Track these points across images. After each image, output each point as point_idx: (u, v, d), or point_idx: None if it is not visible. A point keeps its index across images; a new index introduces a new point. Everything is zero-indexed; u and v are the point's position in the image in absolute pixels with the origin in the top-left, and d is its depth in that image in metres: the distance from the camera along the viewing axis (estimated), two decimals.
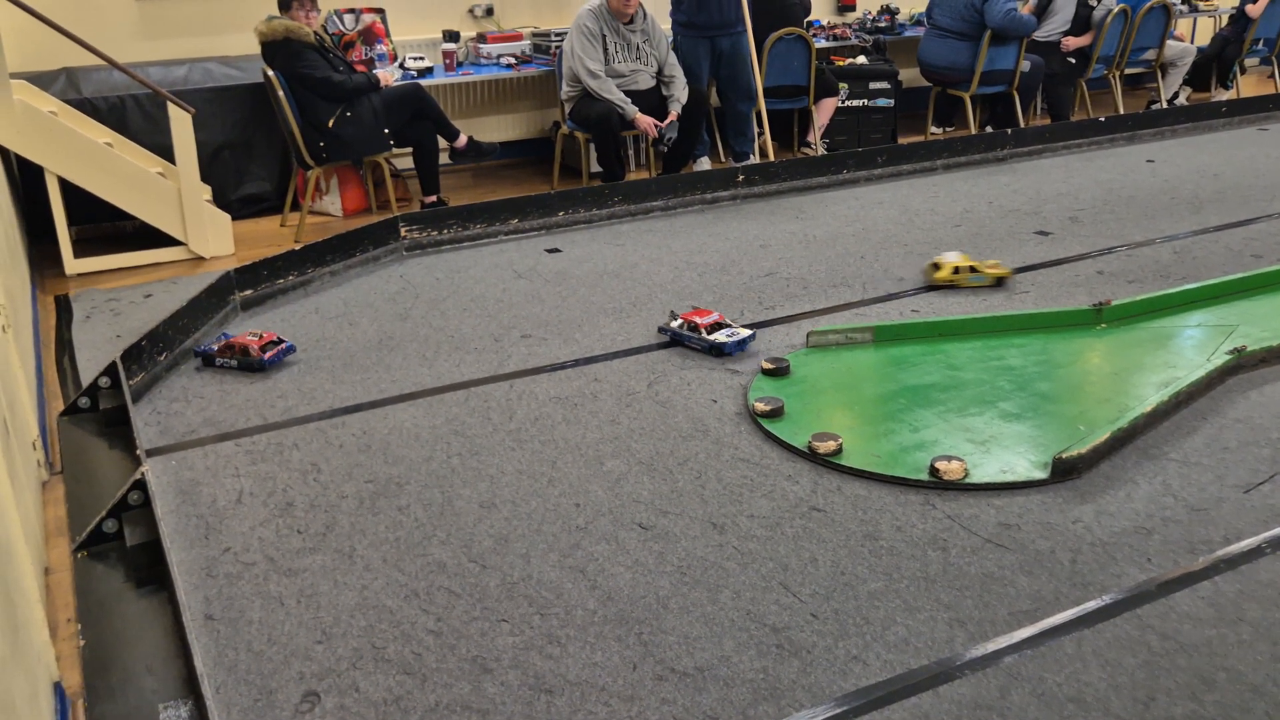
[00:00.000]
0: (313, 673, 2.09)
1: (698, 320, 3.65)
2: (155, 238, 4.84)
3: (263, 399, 3.35)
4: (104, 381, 3.25)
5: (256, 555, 2.49)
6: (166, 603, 2.28)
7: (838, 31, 7.47)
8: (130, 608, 2.32)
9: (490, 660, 2.11)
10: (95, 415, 3.22)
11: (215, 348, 3.61)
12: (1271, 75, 9.00)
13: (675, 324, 3.70)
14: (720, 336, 3.57)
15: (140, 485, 2.51)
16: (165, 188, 4.75)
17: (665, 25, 6.23)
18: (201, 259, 4.86)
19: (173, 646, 2.16)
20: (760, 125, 6.32)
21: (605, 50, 5.74)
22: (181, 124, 4.65)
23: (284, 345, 3.64)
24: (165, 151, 4.88)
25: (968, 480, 2.69)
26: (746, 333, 3.61)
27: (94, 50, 4.58)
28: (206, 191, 5.08)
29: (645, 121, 5.77)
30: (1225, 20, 8.93)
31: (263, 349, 3.57)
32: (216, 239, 4.90)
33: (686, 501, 2.66)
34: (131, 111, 5.18)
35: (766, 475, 2.77)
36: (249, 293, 4.15)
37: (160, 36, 5.83)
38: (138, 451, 2.77)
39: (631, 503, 2.66)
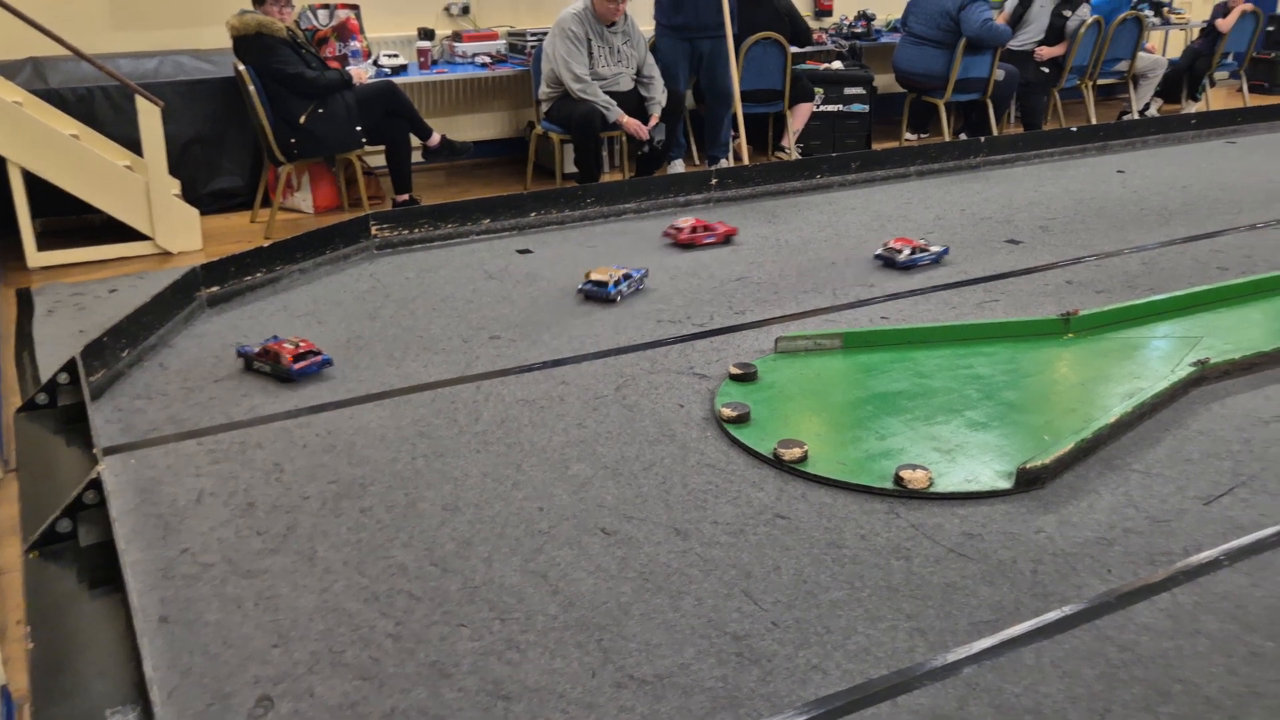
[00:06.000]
0: (268, 676, 2.06)
1: (908, 245, 4.50)
2: (122, 232, 4.79)
3: (228, 397, 3.31)
4: (63, 378, 3.21)
5: (215, 556, 2.46)
6: (120, 605, 2.25)
7: (814, 36, 7.48)
8: (83, 609, 2.28)
9: (449, 665, 2.09)
10: (54, 412, 3.17)
11: (255, 350, 3.48)
12: (1240, 89, 9.11)
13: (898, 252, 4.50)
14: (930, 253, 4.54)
15: (96, 484, 2.48)
16: (132, 181, 4.69)
17: (645, 26, 6.22)
18: (169, 254, 4.81)
19: (126, 650, 2.12)
20: (735, 129, 6.32)
21: (590, 54, 5.73)
22: (150, 117, 4.60)
23: (320, 358, 3.46)
24: (134, 144, 4.83)
25: (932, 489, 2.70)
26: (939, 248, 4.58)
27: (60, 41, 4.52)
28: (176, 186, 5.03)
29: (634, 124, 5.76)
30: (1196, 33, 9.04)
31: (295, 359, 3.40)
32: (184, 234, 4.85)
33: (651, 507, 2.65)
34: (100, 103, 5.12)
35: (732, 481, 2.77)
36: (216, 289, 4.11)
37: (131, 28, 5.77)
38: (94, 450, 2.73)
39: (595, 507, 2.65)
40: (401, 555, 2.47)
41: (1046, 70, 7.61)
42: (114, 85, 4.99)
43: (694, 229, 4.83)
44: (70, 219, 5.09)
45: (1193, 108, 8.67)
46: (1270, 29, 9.60)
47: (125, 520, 2.58)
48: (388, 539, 2.53)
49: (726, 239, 4.87)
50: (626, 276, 4.20)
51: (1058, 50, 7.58)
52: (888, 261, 4.52)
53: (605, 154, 6.45)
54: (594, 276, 4.19)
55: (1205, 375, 3.31)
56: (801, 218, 5.32)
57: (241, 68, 5.05)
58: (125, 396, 3.32)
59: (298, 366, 3.41)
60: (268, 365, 3.44)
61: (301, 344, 3.48)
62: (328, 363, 3.50)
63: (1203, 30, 8.83)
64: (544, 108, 5.95)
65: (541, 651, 2.13)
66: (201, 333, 3.85)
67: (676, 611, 2.25)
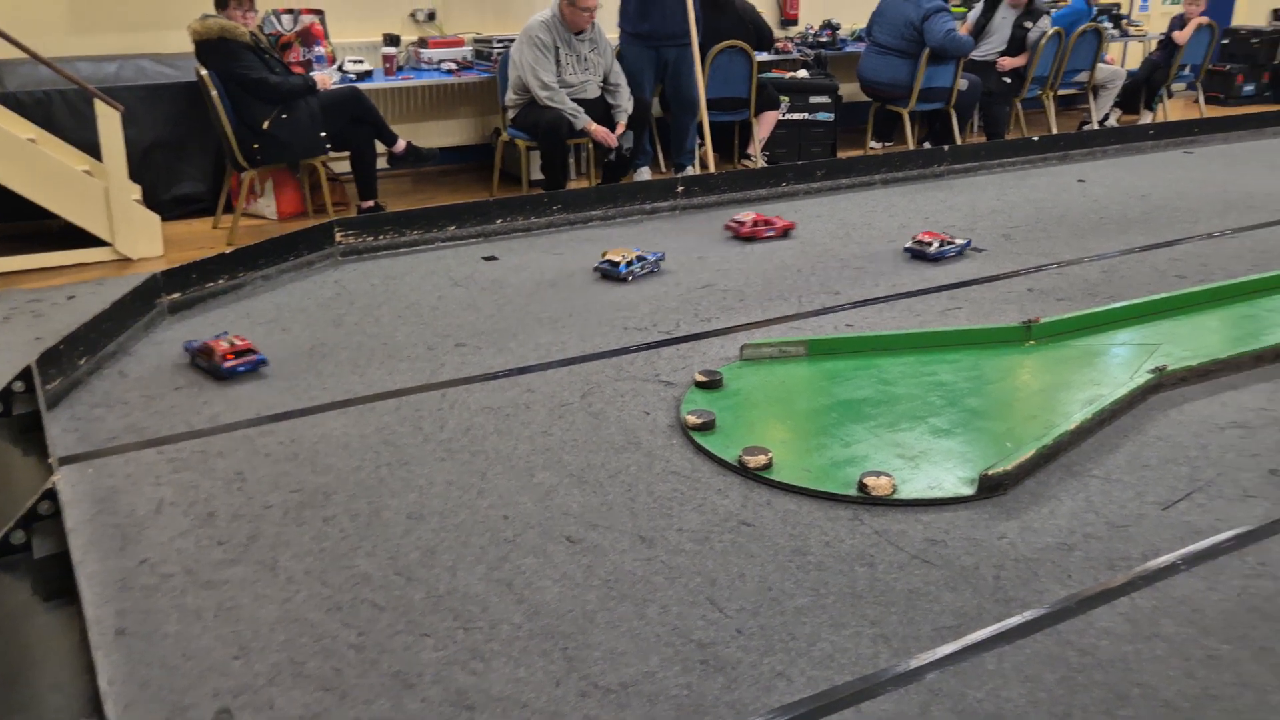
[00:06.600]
0: (228, 689, 2.04)
1: (936, 238, 4.70)
2: (81, 237, 4.72)
3: (188, 405, 3.27)
4: (18, 386, 3.15)
5: (174, 567, 2.43)
6: (75, 617, 2.21)
7: (780, 45, 7.54)
8: (37, 622, 2.24)
9: (412, 675, 2.08)
10: (8, 421, 3.11)
11: (198, 345, 3.51)
12: (1197, 100, 9.27)
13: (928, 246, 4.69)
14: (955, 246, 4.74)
15: (51, 494, 2.44)
16: (92, 186, 4.63)
17: (610, 34, 6.23)
18: (129, 260, 4.75)
19: (82, 663, 2.09)
20: (701, 137, 6.35)
21: (557, 62, 5.74)
22: (109, 121, 4.54)
23: (254, 357, 3.47)
24: (94, 149, 4.76)
25: (896, 496, 2.71)
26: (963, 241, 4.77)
27: (17, 44, 4.46)
28: (136, 191, 4.97)
29: (602, 132, 5.77)
30: (1154, 45, 9.18)
31: (227, 357, 3.41)
32: (145, 240, 4.79)
33: (616, 515, 2.65)
34: (58, 107, 5.06)
35: (697, 489, 2.77)
36: (177, 296, 4.06)
37: (90, 31, 5.70)
38: (50, 459, 2.68)
39: (561, 515, 2.64)
40: (365, 565, 2.45)
41: (1008, 80, 7.70)
42: (73, 89, 4.92)
43: (755, 223, 5.02)
44: (27, 224, 5.01)
45: (1149, 117, 8.81)
46: (1225, 42, 9.78)
47: (82, 531, 2.54)
48: (351, 548, 2.51)
49: (785, 233, 5.04)
50: (641, 258, 4.44)
51: (1019, 61, 7.68)
52: (917, 254, 4.73)
53: (572, 161, 6.45)
54: (609, 256, 4.44)
55: (1163, 382, 3.36)
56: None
57: (204, 72, 5.00)
58: (83, 405, 3.27)
59: (227, 365, 3.42)
60: (205, 361, 3.47)
61: (239, 342, 3.49)
62: (262, 363, 3.51)
63: (1160, 43, 8.98)
64: (510, 114, 5.94)
65: (506, 661, 2.12)
66: (162, 340, 3.80)
67: (641, 619, 2.24)
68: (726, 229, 5.12)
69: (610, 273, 4.42)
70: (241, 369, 3.45)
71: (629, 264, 4.40)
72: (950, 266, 4.66)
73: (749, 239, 5.01)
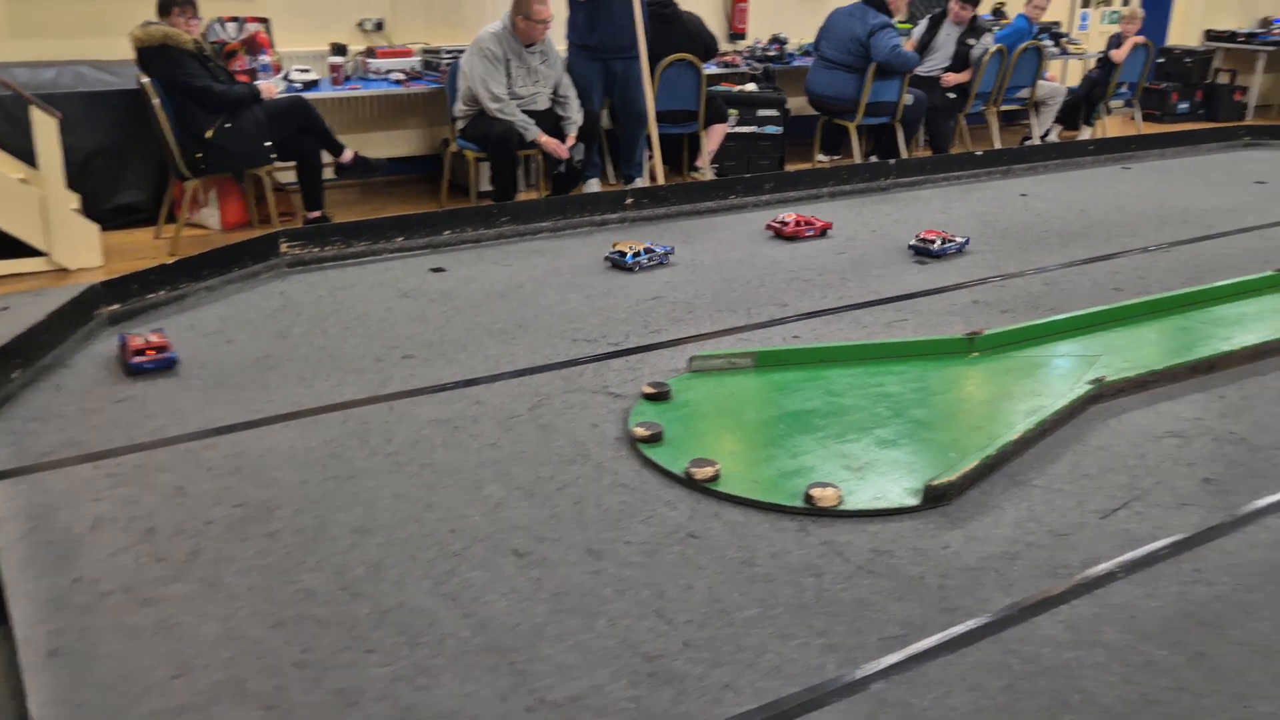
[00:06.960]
0: (167, 709, 1.99)
1: (939, 236, 4.96)
2: (16, 247, 4.62)
3: (129, 418, 3.20)
4: None
5: (112, 585, 2.37)
6: (6, 638, 2.15)
7: (728, 59, 7.60)
8: None
9: (357, 692, 2.05)
10: None
11: (125, 339, 3.49)
12: (1134, 117, 9.50)
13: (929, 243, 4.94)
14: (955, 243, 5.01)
15: None
16: (27, 194, 4.53)
17: (559, 46, 6.24)
18: (67, 270, 4.65)
19: (9, 686, 2.03)
20: (650, 149, 6.37)
21: (507, 74, 5.74)
22: (45, 128, 4.45)
23: (163, 355, 3.46)
24: (30, 157, 4.66)
25: (842, 507, 2.73)
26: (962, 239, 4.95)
27: None
28: (75, 200, 4.88)
29: (553, 144, 5.77)
30: (1093, 64, 9.41)
31: (147, 352, 3.42)
32: (84, 250, 4.70)
33: (565, 527, 2.64)
34: None
35: (646, 501, 2.77)
36: (117, 307, 3.98)
37: (28, 36, 5.58)
38: None
39: (509, 528, 2.63)
40: (309, 580, 2.41)
41: (953, 96, 7.84)
42: (8, 95, 4.82)
43: (797, 223, 5.26)
44: None
45: (1088, 133, 9.01)
46: (1160, 61, 10.05)
47: (14, 549, 2.47)
48: (295, 563, 2.47)
49: (823, 233, 5.30)
50: (648, 250, 4.67)
51: (963, 77, 7.82)
52: (921, 251, 4.98)
53: (521, 173, 6.44)
54: (618, 247, 4.67)
55: (1103, 393, 3.42)
56: (716, 238, 5.37)
57: (145, 80, 4.92)
58: (18, 419, 3.19)
59: (134, 361, 3.40)
60: (123, 356, 3.46)
61: (154, 339, 3.47)
62: (172, 362, 3.48)
63: (1098, 61, 9.20)
64: (460, 125, 5.92)
65: (452, 676, 2.10)
66: (101, 352, 3.72)
67: (590, 633, 2.24)
68: (769, 229, 5.31)
69: (619, 262, 4.61)
70: (149, 366, 3.43)
71: (636, 255, 4.58)
72: (897, 278, 4.72)
73: (792, 239, 5.21)
